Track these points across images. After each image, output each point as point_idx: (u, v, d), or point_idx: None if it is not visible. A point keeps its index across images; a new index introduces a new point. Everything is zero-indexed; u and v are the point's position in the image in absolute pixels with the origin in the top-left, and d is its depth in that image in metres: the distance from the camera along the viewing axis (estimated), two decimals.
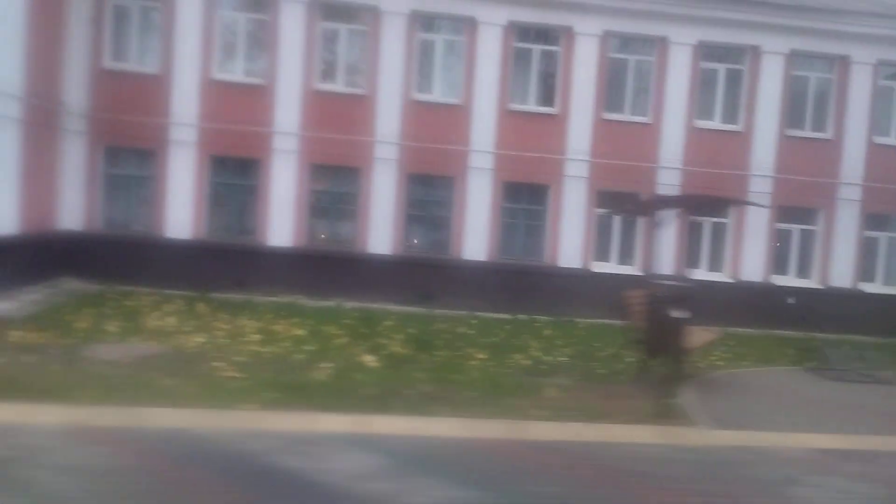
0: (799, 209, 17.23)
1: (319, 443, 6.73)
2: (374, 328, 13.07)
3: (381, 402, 7.92)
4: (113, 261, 15.22)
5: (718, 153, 16.76)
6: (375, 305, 15.54)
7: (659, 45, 16.71)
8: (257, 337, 11.47)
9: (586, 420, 7.89)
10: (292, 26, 15.73)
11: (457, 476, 6.14)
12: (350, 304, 15.37)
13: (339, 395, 8.03)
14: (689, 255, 17.06)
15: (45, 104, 13.94)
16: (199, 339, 10.98)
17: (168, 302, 13.87)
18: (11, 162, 12.69)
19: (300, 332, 12.18)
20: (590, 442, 7.47)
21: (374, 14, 15.96)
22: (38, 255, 13.90)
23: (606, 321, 16.09)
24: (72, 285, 14.74)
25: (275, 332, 12.00)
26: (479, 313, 15.70)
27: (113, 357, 9.14)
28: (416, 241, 16.68)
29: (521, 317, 15.74)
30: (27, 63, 12.89)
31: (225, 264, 15.66)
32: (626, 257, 17.17)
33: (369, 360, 10.30)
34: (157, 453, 6.21)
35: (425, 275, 16.30)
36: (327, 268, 15.97)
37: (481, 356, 11.16)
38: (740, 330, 15.76)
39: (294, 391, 8.04)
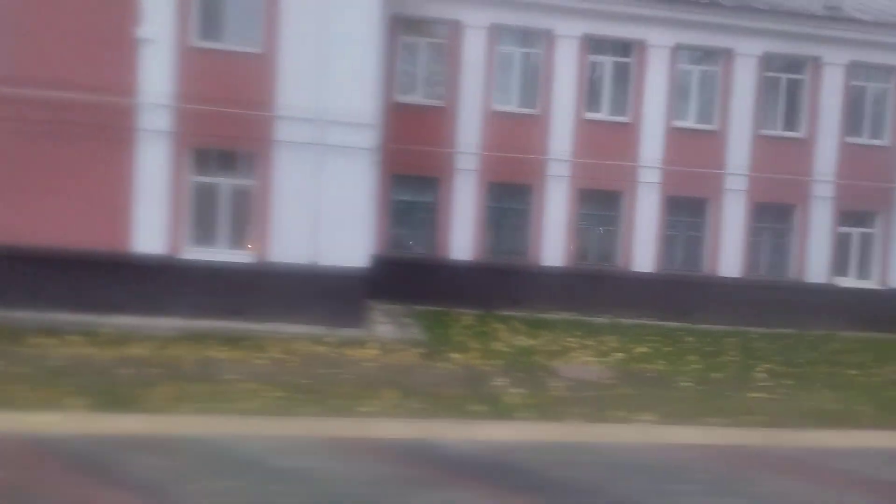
0: None
1: None
2: (681, 344, 14.05)
3: None
4: (402, 282, 16.19)
5: None
6: (641, 321, 16.51)
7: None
8: (621, 355, 12.45)
9: None
10: (564, 59, 16.75)
11: None
12: (624, 321, 16.34)
13: None
14: None
15: None
16: (588, 356, 11.99)
17: (488, 320, 14.87)
18: (369, 191, 13.41)
19: (643, 349, 13.16)
20: None
21: (641, 48, 16.98)
22: None
23: (858, 333, 17.13)
24: (382, 307, 15.73)
25: (621, 348, 12.96)
26: (737, 328, 16.64)
27: (586, 377, 10.12)
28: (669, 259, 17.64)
29: (783, 331, 16.68)
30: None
31: (501, 283, 16.64)
32: (864, 272, 18.13)
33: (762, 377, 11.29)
34: None
35: (682, 291, 17.28)
36: (594, 286, 16.95)
37: (852, 372, 12.13)
38: None
39: None
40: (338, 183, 12.23)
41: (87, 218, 11.69)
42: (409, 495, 5.37)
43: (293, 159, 12.16)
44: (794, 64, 17.71)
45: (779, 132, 17.64)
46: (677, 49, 17.12)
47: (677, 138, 17.16)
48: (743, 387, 10.09)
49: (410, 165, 16.50)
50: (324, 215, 12.22)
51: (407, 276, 16.31)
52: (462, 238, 16.76)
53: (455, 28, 16.46)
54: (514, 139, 16.69)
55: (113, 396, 7.23)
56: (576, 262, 17.24)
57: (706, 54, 17.45)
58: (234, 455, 6.05)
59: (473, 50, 16.51)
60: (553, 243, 17.04)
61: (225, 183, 12.37)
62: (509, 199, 17.09)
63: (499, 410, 7.74)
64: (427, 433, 6.89)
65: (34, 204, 11.57)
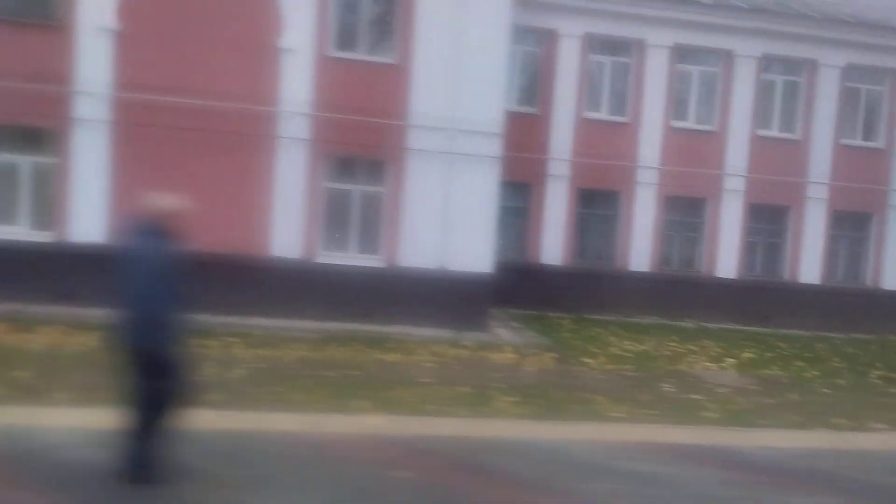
0: None
1: None
2: (779, 350, 14.44)
3: None
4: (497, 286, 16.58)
5: None
6: (724, 325, 16.94)
7: None
8: (732, 361, 12.82)
9: None
10: (654, 69, 17.13)
11: None
12: (709, 325, 16.77)
13: None
14: None
15: None
16: (703, 362, 12.39)
17: (585, 324, 15.28)
18: (494, 197, 13.39)
19: (748, 354, 13.54)
20: None
21: (728, 57, 17.36)
22: None
23: None
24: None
25: (726, 353, 13.34)
26: (818, 333, 17.05)
27: (731, 383, 10.52)
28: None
29: (862, 336, 17.10)
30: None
31: (589, 288, 17.00)
32: None
33: None
34: None
35: (763, 297, 17.70)
36: (678, 290, 17.36)
37: None
38: None
39: None
40: (465, 190, 12.62)
41: (230, 222, 12.02)
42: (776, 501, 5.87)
43: (424, 167, 12.54)
44: (874, 75, 18.09)
45: (858, 142, 18.05)
46: (763, 59, 17.50)
47: (760, 147, 17.56)
48: (882, 392, 10.52)
49: (504, 171, 16.82)
50: (451, 221, 12.59)
51: (501, 280, 16.68)
52: (552, 243, 17.15)
53: (550, 37, 16.82)
54: (604, 146, 17.07)
55: (376, 400, 7.57)
56: (660, 268, 17.65)
57: (791, 65, 17.82)
58: (579, 459, 6.54)
59: (567, 58, 16.88)
60: (640, 249, 17.44)
61: (357, 189, 12.74)
62: (598, 206, 17.49)
63: (729, 417, 8.12)
64: (713, 439, 7.36)
65: None
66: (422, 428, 6.90)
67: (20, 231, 11.81)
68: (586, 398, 8.26)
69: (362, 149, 12.52)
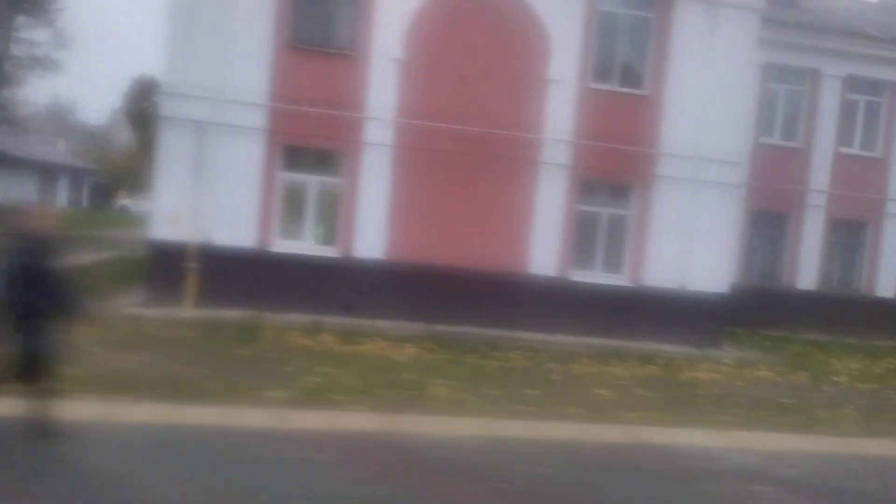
0: None
1: None
2: None
3: None
4: None
5: None
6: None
7: None
8: None
9: None
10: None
11: None
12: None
13: None
14: None
15: None
16: None
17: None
18: (734, 223, 14.60)
19: None
20: None
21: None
22: None
23: None
24: None
25: None
26: None
27: None
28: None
29: None
30: None
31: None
32: None
33: None
34: None
35: None
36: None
37: None
38: None
39: None
40: (706, 215, 13.39)
41: (493, 241, 12.80)
42: None
43: (669, 192, 13.32)
44: None
45: None
46: None
47: None
48: None
49: (760, 200, 17.69)
50: (692, 244, 13.36)
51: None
52: (807, 268, 18.21)
53: (813, 77, 17.77)
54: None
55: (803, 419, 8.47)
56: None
57: None
58: None
59: (826, 97, 17.92)
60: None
61: (605, 212, 13.51)
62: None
63: None
64: None
65: (449, 227, 12.68)
66: None
67: (308, 246, 12.55)
68: None
69: (613, 174, 13.29)
